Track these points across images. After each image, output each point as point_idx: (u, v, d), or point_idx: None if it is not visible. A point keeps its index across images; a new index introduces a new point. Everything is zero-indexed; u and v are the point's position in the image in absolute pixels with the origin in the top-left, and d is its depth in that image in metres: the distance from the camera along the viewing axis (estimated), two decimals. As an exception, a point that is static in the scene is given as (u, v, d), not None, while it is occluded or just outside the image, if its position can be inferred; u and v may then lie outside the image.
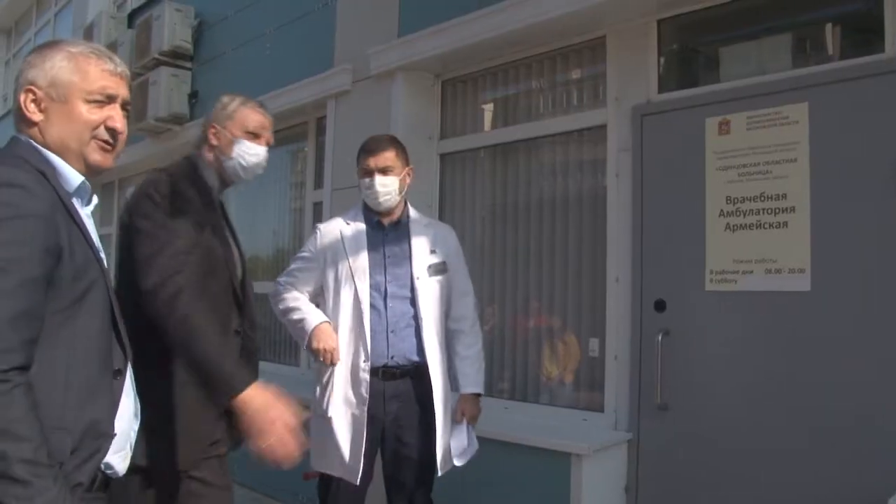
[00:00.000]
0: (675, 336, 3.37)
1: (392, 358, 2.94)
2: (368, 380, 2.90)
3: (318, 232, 3.08)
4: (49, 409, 1.44)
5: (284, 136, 5.98)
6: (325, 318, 2.98)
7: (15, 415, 1.34)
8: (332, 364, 2.93)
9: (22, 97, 1.62)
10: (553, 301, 4.04)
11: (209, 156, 2.52)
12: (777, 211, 3.13)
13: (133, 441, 1.70)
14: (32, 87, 1.62)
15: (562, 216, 4.02)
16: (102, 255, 1.64)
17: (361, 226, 3.04)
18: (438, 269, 3.08)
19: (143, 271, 2.16)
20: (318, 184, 5.49)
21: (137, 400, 1.71)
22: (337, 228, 3.05)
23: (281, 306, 3.09)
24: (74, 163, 1.64)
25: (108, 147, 1.68)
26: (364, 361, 2.91)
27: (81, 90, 1.63)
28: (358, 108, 4.91)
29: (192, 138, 2.65)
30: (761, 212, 3.17)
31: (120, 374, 1.61)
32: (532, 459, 3.44)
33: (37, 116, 1.61)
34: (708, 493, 3.23)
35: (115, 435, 1.58)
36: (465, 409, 3.08)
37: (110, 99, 1.67)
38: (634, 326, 3.52)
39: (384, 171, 2.99)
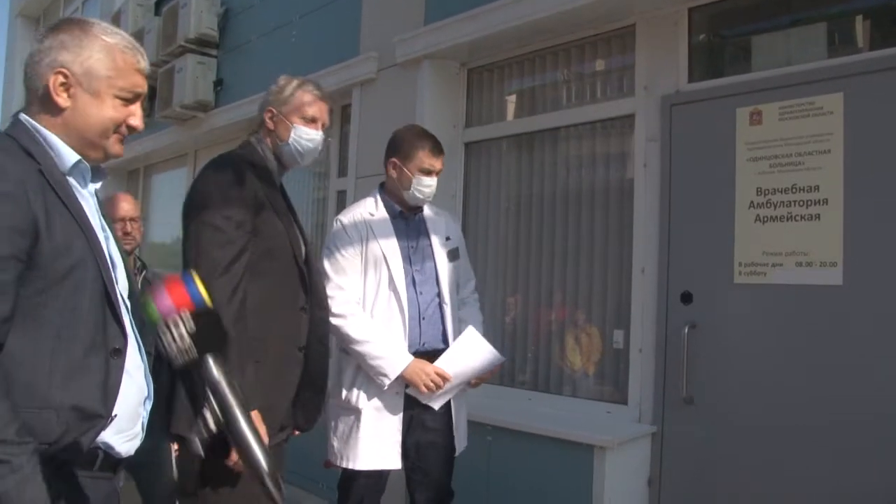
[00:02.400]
0: (702, 329, 3.32)
1: (423, 345, 2.97)
2: None
3: (342, 225, 3.04)
4: (34, 389, 1.43)
5: (310, 124, 5.97)
6: (410, 357, 2.89)
7: None
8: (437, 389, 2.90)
9: (52, 79, 1.58)
10: (577, 292, 4.01)
11: (267, 139, 2.55)
12: (809, 203, 3.07)
13: (145, 422, 1.68)
14: (65, 71, 1.58)
15: (588, 206, 3.98)
16: (100, 233, 1.62)
17: (386, 216, 3.05)
18: (454, 255, 3.14)
19: (198, 264, 2.18)
20: (342, 172, 5.49)
21: (150, 381, 1.69)
22: (363, 220, 3.02)
23: (355, 335, 2.87)
24: (90, 152, 1.63)
25: (123, 139, 1.69)
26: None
27: (114, 86, 1.62)
28: (383, 96, 4.89)
29: (253, 119, 2.67)
30: (793, 204, 3.11)
31: (119, 353, 1.57)
32: (555, 451, 3.41)
33: (65, 102, 1.59)
34: (732, 487, 3.19)
35: (113, 416, 1.54)
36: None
37: (137, 97, 1.67)
38: (660, 319, 3.48)
39: (440, 172, 3.07)
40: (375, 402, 2.92)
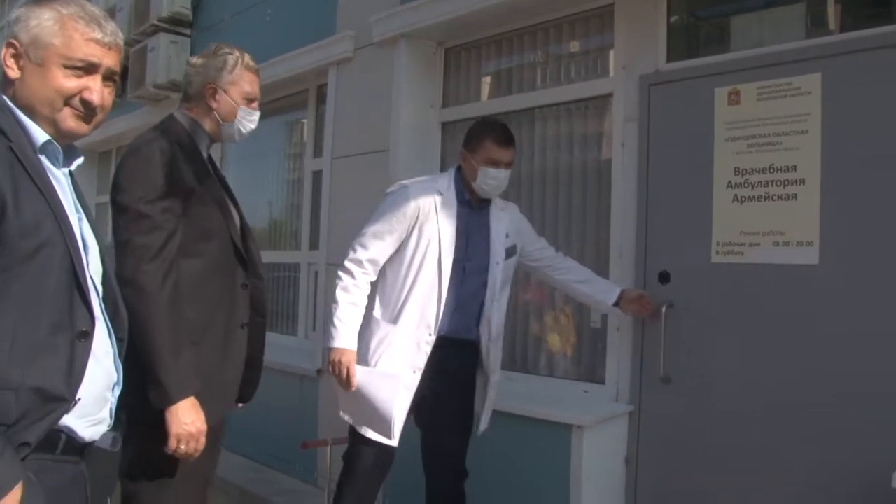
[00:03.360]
0: (680, 308, 3.33)
1: (449, 332, 3.00)
2: (428, 353, 2.95)
3: (409, 194, 3.01)
4: None
5: (285, 104, 5.93)
6: (354, 347, 2.96)
7: None
8: (348, 386, 2.93)
9: (3, 52, 1.56)
10: (555, 272, 4.00)
11: (205, 116, 2.47)
12: (786, 183, 3.08)
13: (113, 408, 1.65)
14: (14, 42, 1.56)
15: (566, 186, 3.98)
16: (77, 215, 1.58)
17: (454, 201, 3.05)
18: (511, 252, 3.15)
19: (121, 253, 2.17)
20: (318, 152, 5.44)
21: (119, 367, 1.65)
22: (431, 198, 3.02)
23: (341, 295, 2.98)
24: (45, 126, 1.58)
25: (83, 114, 1.61)
26: (430, 335, 2.95)
27: (61, 55, 1.56)
28: (360, 75, 4.84)
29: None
30: (770, 184, 3.12)
31: (86, 336, 1.53)
32: (533, 431, 3.42)
33: (14, 73, 1.56)
34: (708, 466, 3.21)
35: (76, 400, 1.50)
36: (637, 303, 3.28)
37: (92, 68, 1.60)
38: None
39: (509, 164, 3.05)
40: (395, 372, 2.94)
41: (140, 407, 2.05)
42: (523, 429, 3.38)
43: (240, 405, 2.65)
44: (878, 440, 2.78)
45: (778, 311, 3.08)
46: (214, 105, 2.45)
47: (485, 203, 3.13)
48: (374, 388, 2.90)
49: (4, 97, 1.56)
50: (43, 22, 1.56)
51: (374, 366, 2.95)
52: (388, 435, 2.90)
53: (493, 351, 3.12)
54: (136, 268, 2.14)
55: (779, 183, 3.10)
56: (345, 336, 2.93)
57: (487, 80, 4.52)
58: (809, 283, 3.00)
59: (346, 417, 3.06)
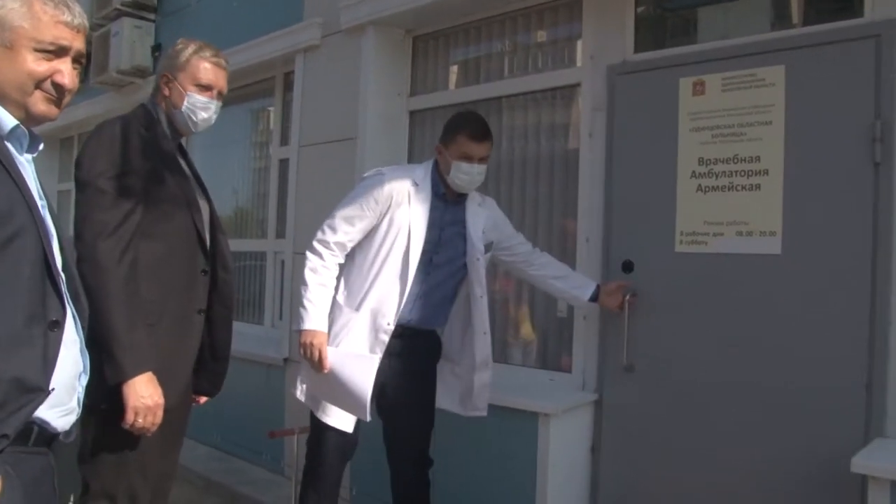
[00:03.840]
0: (643, 297, 3.35)
1: (409, 321, 2.99)
2: (386, 341, 2.93)
3: (384, 180, 2.98)
4: None
5: (251, 92, 5.86)
6: (325, 328, 2.93)
7: None
8: (321, 368, 2.90)
9: None
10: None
11: (162, 104, 2.51)
12: (750, 173, 3.10)
13: (80, 397, 1.63)
14: None
15: (533, 175, 3.98)
16: (41, 202, 1.56)
17: (429, 193, 3.02)
18: (487, 248, 3.14)
19: (79, 229, 2.19)
20: (285, 140, 5.39)
21: (86, 354, 1.64)
22: (406, 188, 2.98)
23: (310, 277, 2.96)
24: (14, 110, 1.55)
25: (54, 98, 1.59)
26: (388, 324, 2.92)
27: (31, 38, 1.53)
28: (327, 63, 4.80)
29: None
30: (734, 174, 3.14)
31: (57, 325, 1.51)
32: (499, 419, 3.43)
33: None
34: (672, 455, 3.25)
35: (51, 390, 1.48)
36: (617, 294, 3.30)
37: (62, 51, 1.57)
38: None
39: (484, 159, 3.01)
40: (357, 352, 2.92)
41: (96, 391, 2.04)
42: (490, 417, 3.38)
43: (202, 399, 2.67)
44: (839, 426, 2.83)
45: (740, 299, 3.11)
46: (167, 93, 2.49)
47: (461, 198, 3.11)
48: (347, 370, 2.87)
49: None
50: (9, 3, 1.53)
51: (339, 344, 2.94)
52: (363, 415, 2.88)
53: (481, 343, 3.12)
54: (93, 243, 2.15)
55: (743, 173, 3.13)
56: (315, 317, 2.91)
57: (455, 68, 4.51)
58: (772, 273, 3.03)
59: (307, 401, 3.05)
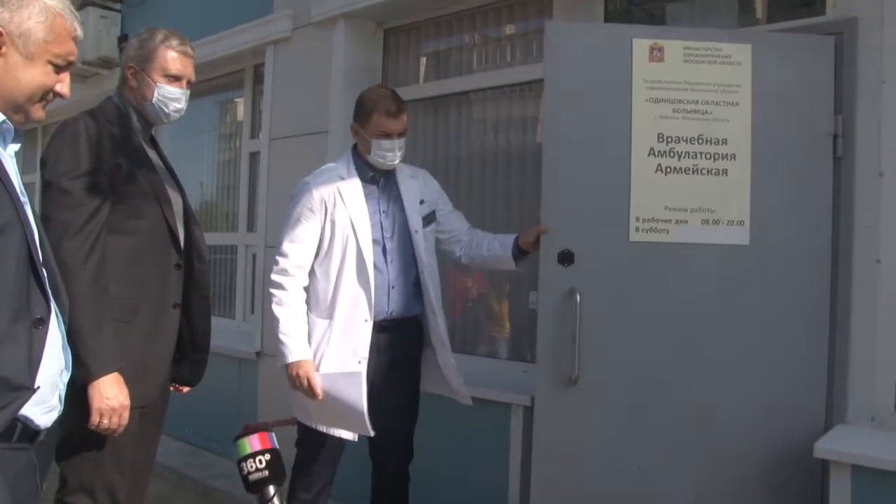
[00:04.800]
0: (587, 293, 2.94)
1: (391, 313, 2.97)
2: (368, 339, 2.90)
3: (310, 187, 2.96)
4: None
5: (219, 84, 5.83)
6: (309, 355, 2.87)
7: None
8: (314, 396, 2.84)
9: None
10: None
11: (130, 96, 2.49)
12: (716, 157, 2.93)
13: (62, 394, 1.64)
14: (1, 31, 1.53)
15: (503, 170, 4.03)
16: (23, 198, 1.56)
17: (357, 181, 2.99)
18: (429, 219, 3.11)
19: (48, 227, 2.15)
20: (255, 133, 5.37)
21: (68, 351, 1.65)
22: (333, 184, 2.96)
23: (279, 311, 2.88)
24: (13, 115, 1.58)
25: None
26: (366, 321, 2.90)
27: (50, 52, 1.58)
28: (298, 55, 4.80)
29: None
30: (699, 155, 2.94)
31: (42, 323, 1.52)
32: (474, 410, 3.46)
33: None
34: (634, 435, 3.00)
35: (35, 388, 1.50)
36: (529, 238, 3.03)
37: (69, 65, 1.63)
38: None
39: (402, 133, 2.97)
40: (342, 367, 2.87)
41: (69, 387, 2.05)
42: (463, 409, 3.42)
43: (185, 389, 2.68)
44: (801, 412, 2.90)
45: (704, 292, 2.95)
46: (134, 84, 2.48)
47: (391, 175, 3.07)
48: (339, 391, 2.82)
49: None
50: (34, 16, 1.56)
51: (319, 365, 2.89)
52: (365, 430, 2.83)
53: (433, 323, 3.07)
54: (57, 244, 2.13)
55: (708, 156, 2.94)
56: (296, 349, 2.85)
57: (426, 62, 4.53)
58: (740, 264, 2.93)
59: (310, 423, 2.96)
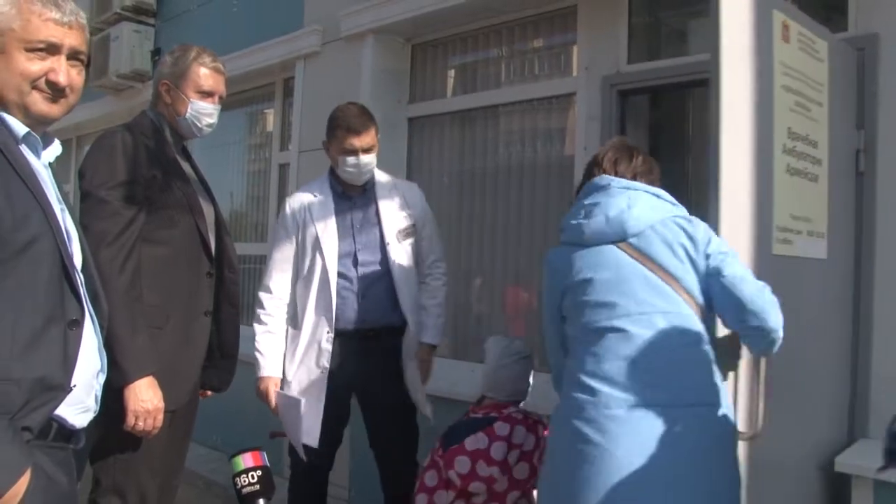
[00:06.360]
0: None
1: (364, 322, 3.01)
2: (330, 350, 2.98)
3: (284, 208, 3.08)
4: None
5: (250, 97, 5.93)
6: (278, 375, 3.03)
7: None
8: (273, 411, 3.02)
9: None
10: (519, 267, 4.10)
11: (163, 112, 2.57)
12: (813, 160, 2.58)
13: (98, 395, 1.70)
14: None
15: (529, 183, 4.07)
16: (56, 205, 1.61)
17: (329, 197, 3.06)
18: (408, 233, 3.14)
19: (86, 236, 2.23)
20: (284, 146, 5.46)
21: (104, 354, 1.71)
22: (304, 201, 3.06)
23: (257, 328, 3.07)
24: (16, 113, 1.59)
25: (54, 98, 1.62)
26: (328, 332, 2.98)
27: (21, 39, 1.56)
28: (327, 70, 4.88)
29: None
30: (807, 158, 2.56)
31: (77, 324, 1.58)
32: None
33: None
34: None
35: (71, 388, 1.55)
36: (421, 357, 3.14)
37: (53, 49, 1.60)
38: None
39: (368, 150, 3.00)
40: (304, 378, 3.00)
41: (106, 390, 2.12)
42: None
43: (209, 392, 2.74)
44: (823, 426, 2.89)
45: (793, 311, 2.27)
46: (168, 100, 2.56)
47: (369, 188, 3.11)
48: (286, 412, 2.97)
49: None
50: (0, 7, 1.56)
51: (287, 373, 3.03)
52: (311, 440, 2.95)
53: (407, 332, 3.10)
54: (94, 252, 2.19)
55: (811, 159, 2.59)
56: (265, 365, 3.02)
57: (454, 76, 4.59)
58: (820, 281, 2.68)
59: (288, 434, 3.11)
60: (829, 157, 2.69)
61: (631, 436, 2.04)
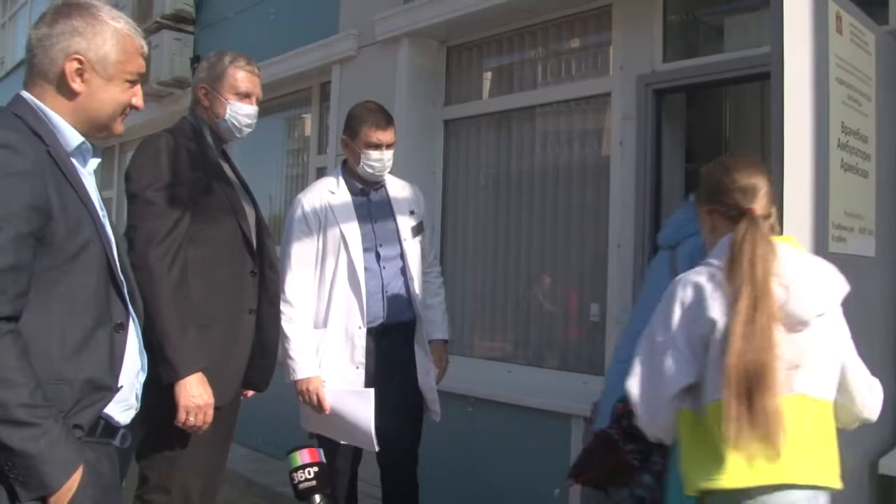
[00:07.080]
0: None
1: (387, 317, 3.05)
2: (364, 345, 2.99)
3: (301, 206, 3.07)
4: (47, 362, 1.50)
5: (287, 101, 6.00)
6: (318, 371, 2.95)
7: (7, 362, 1.41)
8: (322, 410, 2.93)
9: (67, 66, 1.63)
10: (555, 267, 4.10)
11: (203, 115, 2.63)
12: (863, 156, 2.50)
13: (139, 394, 1.76)
14: (80, 58, 1.64)
15: (565, 183, 4.06)
16: (101, 213, 1.68)
17: (347, 194, 3.09)
18: (418, 230, 3.19)
19: (131, 238, 2.32)
20: (322, 149, 5.52)
21: (144, 354, 1.77)
22: (323, 199, 3.06)
23: (288, 327, 2.93)
24: (98, 133, 1.72)
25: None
26: (360, 327, 2.99)
27: (125, 71, 1.70)
28: (363, 74, 4.91)
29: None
30: (858, 153, 2.48)
31: (122, 328, 1.65)
32: (533, 421, 3.51)
33: (80, 87, 1.65)
34: None
35: (119, 387, 1.63)
36: (439, 355, 3.20)
37: (140, 78, 1.75)
38: (636, 292, 3.46)
39: (390, 145, 3.06)
40: (340, 375, 2.97)
41: (151, 390, 2.16)
42: (524, 419, 3.47)
43: (250, 393, 2.76)
44: (868, 427, 2.85)
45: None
46: (206, 104, 2.62)
47: (381, 187, 3.16)
48: (348, 407, 2.90)
49: (34, 101, 1.65)
50: (108, 40, 1.67)
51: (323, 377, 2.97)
52: (371, 447, 2.90)
53: (418, 328, 3.13)
54: (144, 252, 2.28)
55: (861, 154, 2.49)
56: (305, 365, 2.94)
57: (489, 78, 4.60)
58: (868, 280, 2.51)
59: (316, 431, 3.06)
60: (877, 152, 2.62)
61: None
